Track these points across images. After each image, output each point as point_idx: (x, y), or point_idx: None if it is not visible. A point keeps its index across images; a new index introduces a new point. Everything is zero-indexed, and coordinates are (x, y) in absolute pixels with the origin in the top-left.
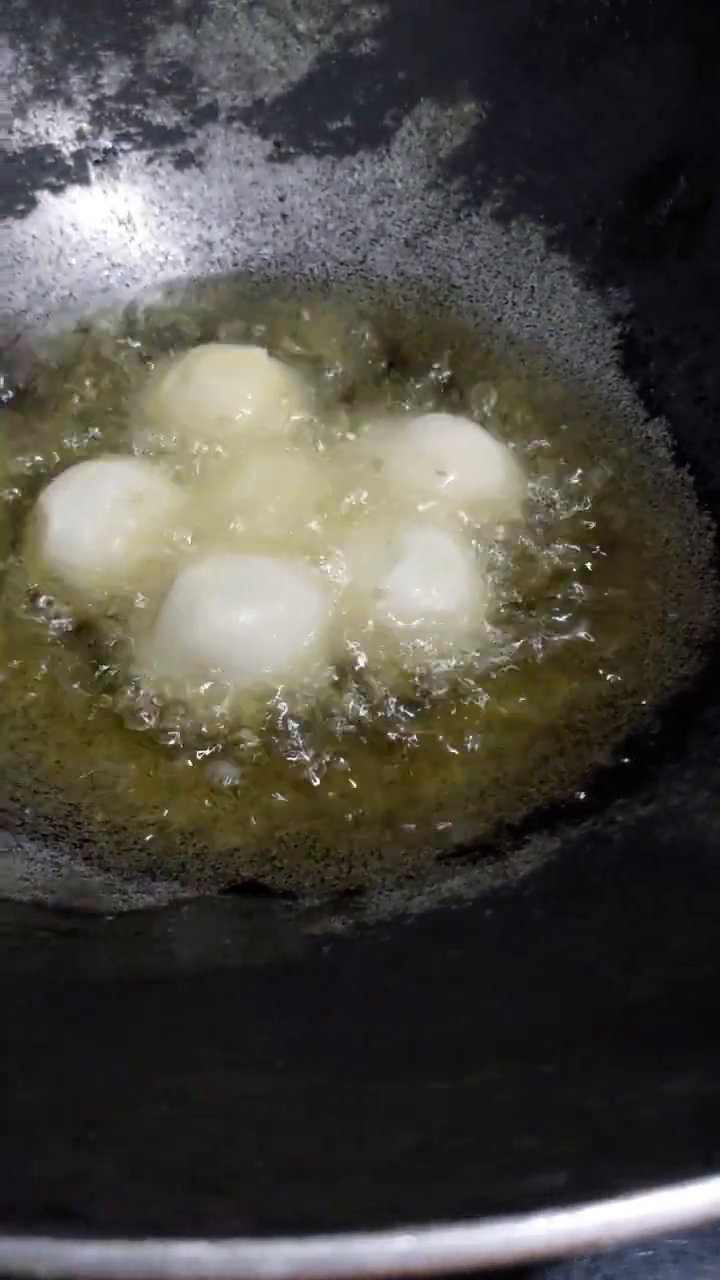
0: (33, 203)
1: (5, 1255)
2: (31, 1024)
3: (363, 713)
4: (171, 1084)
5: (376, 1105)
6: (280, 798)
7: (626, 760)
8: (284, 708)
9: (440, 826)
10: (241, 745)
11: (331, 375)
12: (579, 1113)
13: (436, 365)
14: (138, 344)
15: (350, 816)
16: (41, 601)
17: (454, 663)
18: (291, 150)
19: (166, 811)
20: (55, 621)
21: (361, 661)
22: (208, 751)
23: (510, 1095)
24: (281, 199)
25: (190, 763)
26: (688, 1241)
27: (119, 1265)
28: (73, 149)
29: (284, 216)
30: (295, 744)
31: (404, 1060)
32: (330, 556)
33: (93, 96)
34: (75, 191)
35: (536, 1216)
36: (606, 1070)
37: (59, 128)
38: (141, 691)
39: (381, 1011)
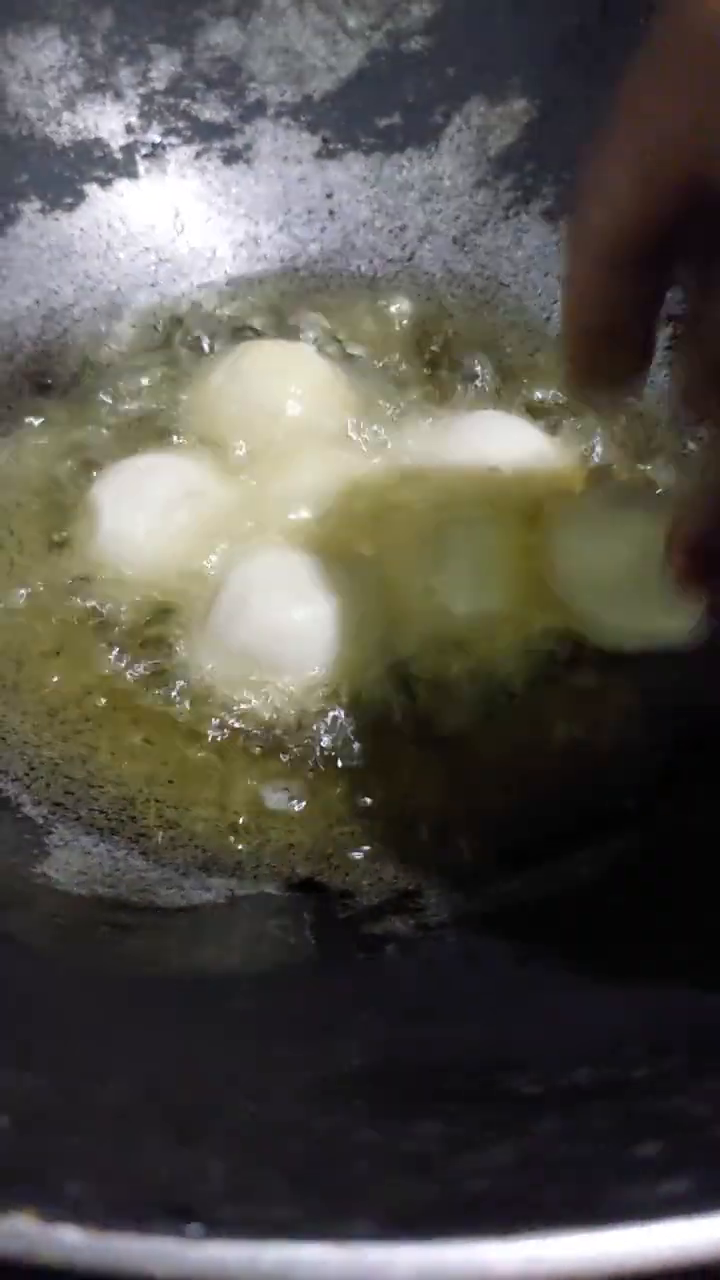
0: (81, 196)
1: (120, 1254)
2: (105, 1020)
3: (416, 712)
4: (254, 1083)
5: (474, 1107)
6: (334, 796)
7: (683, 765)
8: (336, 705)
9: (496, 827)
10: (293, 743)
11: (379, 371)
12: (687, 1119)
13: (484, 363)
14: (185, 339)
15: (405, 815)
16: (92, 597)
17: (508, 660)
18: (340, 147)
19: (220, 808)
20: (106, 617)
21: (414, 659)
22: (260, 748)
23: (611, 1102)
24: (329, 196)
25: (243, 759)
26: None
27: (239, 1267)
28: (121, 143)
29: (331, 213)
30: (348, 742)
31: (489, 1062)
32: (381, 553)
33: (142, 90)
34: (123, 185)
35: (669, 1222)
36: (704, 1076)
37: (108, 121)
38: (194, 688)
39: (454, 1013)
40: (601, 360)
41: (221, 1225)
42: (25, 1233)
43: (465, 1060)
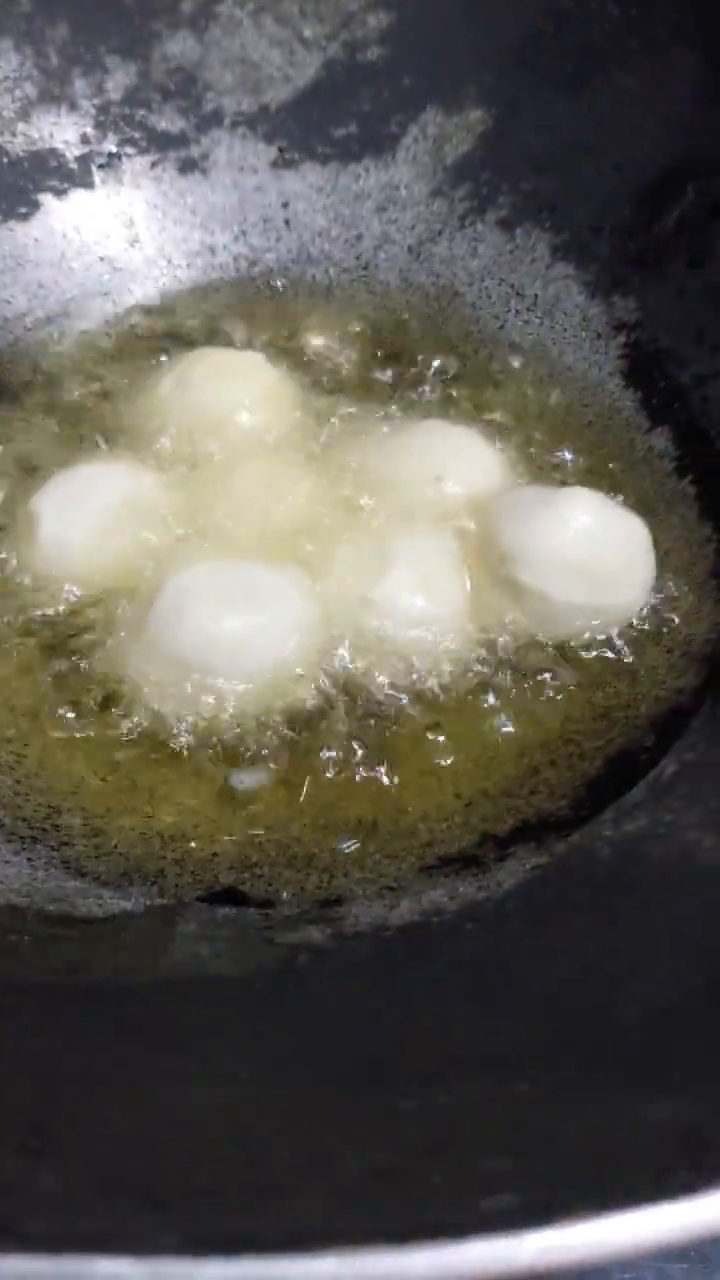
0: (35, 206)
1: None
2: None
3: (349, 721)
4: (129, 1094)
5: (342, 1123)
6: (262, 804)
7: (618, 773)
8: (269, 715)
9: (424, 837)
10: (224, 752)
11: (331, 380)
12: (551, 1136)
13: (438, 372)
14: (137, 347)
15: (333, 825)
16: (28, 604)
17: (444, 671)
18: (296, 156)
19: (146, 816)
20: (41, 624)
21: (349, 669)
22: (190, 756)
23: (481, 1115)
24: (285, 205)
25: (173, 767)
26: (680, 1267)
27: (40, 1279)
28: (76, 153)
29: (287, 223)
30: (279, 751)
31: (374, 1076)
32: (321, 562)
33: (97, 101)
34: (78, 195)
35: (474, 1241)
36: (583, 1093)
37: (63, 131)
38: (126, 696)
39: (355, 1025)
40: None
41: (30, 1239)
42: None
43: (355, 1074)
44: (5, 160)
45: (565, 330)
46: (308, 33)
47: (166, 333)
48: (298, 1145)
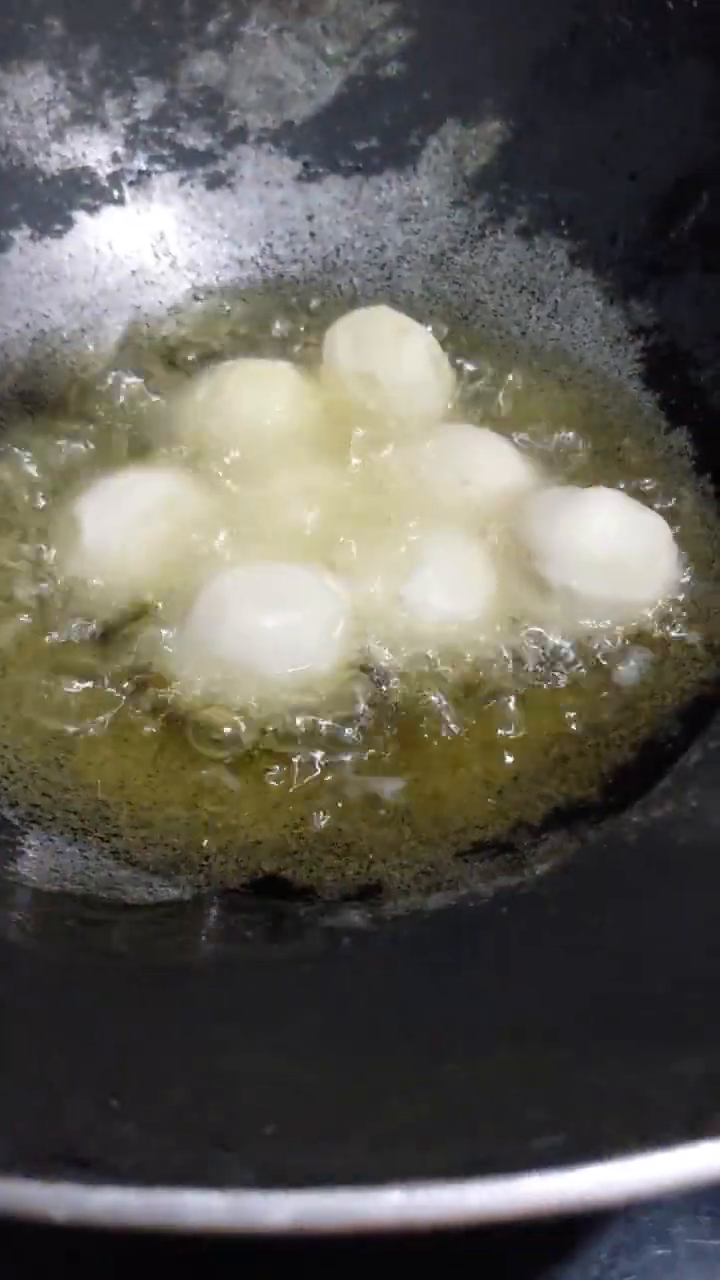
0: (69, 223)
1: (22, 1197)
2: (58, 1001)
3: (382, 714)
4: (191, 1059)
5: (389, 1082)
6: (303, 795)
7: (645, 762)
8: (308, 710)
9: (458, 824)
10: (265, 745)
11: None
12: (590, 1090)
13: (462, 378)
14: (169, 358)
15: (371, 814)
16: (73, 607)
17: (473, 665)
18: (320, 170)
19: (191, 808)
20: (86, 626)
21: (383, 665)
22: (233, 750)
23: (521, 1075)
24: (310, 218)
25: (215, 761)
26: (708, 1242)
27: (132, 1211)
28: (108, 171)
29: (312, 235)
30: (318, 744)
31: (418, 1045)
32: (354, 563)
33: (127, 120)
34: (110, 212)
35: (530, 1175)
36: (618, 1055)
37: (95, 150)
38: (170, 694)
39: (398, 1001)
40: None
41: (118, 1174)
42: None
43: (399, 1043)
44: (40, 179)
45: (585, 335)
46: (329, 50)
47: (197, 343)
48: (351, 1101)
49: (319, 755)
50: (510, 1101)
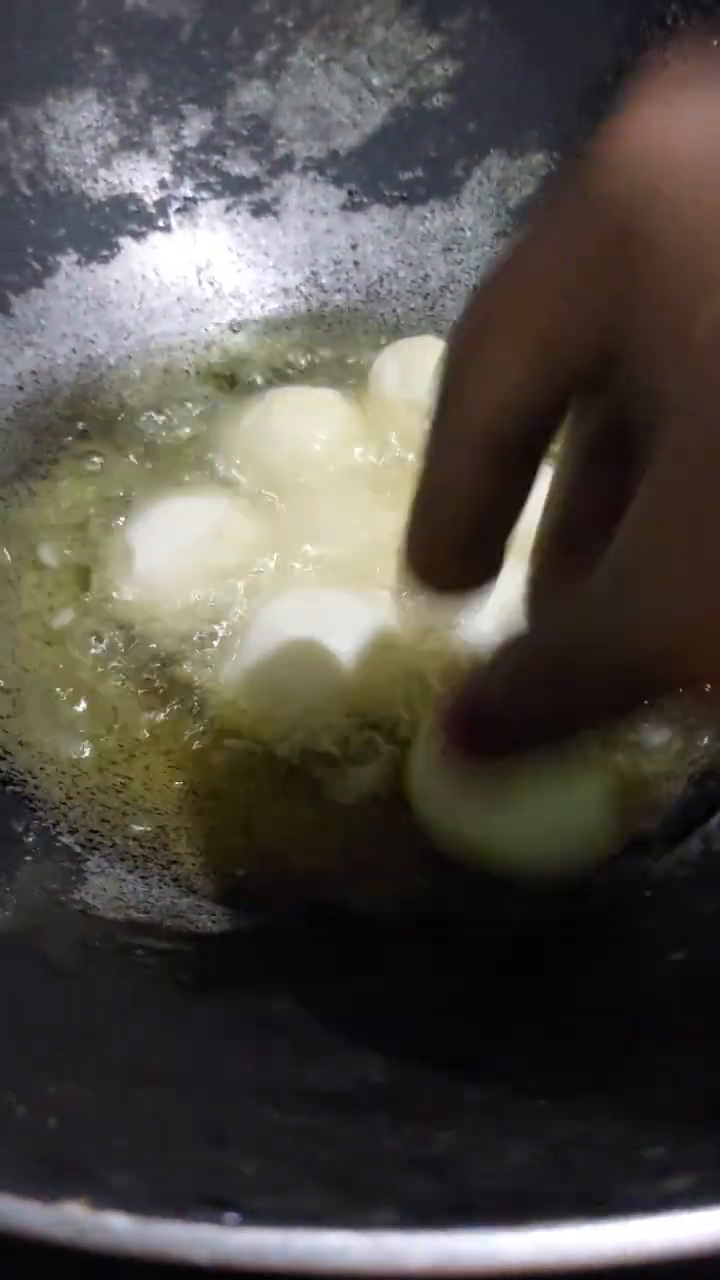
0: (116, 249)
1: (165, 1240)
2: (139, 1035)
3: None
4: (282, 1095)
5: (489, 1118)
6: (362, 823)
7: (705, 795)
8: (362, 733)
9: None
10: (321, 772)
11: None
12: (702, 1123)
13: None
14: (215, 385)
15: (431, 843)
16: (124, 634)
17: None
18: (365, 199)
19: (248, 835)
20: (138, 653)
21: (436, 690)
22: (288, 776)
23: (622, 1111)
24: (354, 246)
25: (272, 787)
26: None
27: (271, 1252)
28: (155, 198)
29: (356, 264)
30: (376, 771)
31: (505, 1079)
32: (406, 590)
33: (175, 148)
34: (156, 238)
35: (675, 1213)
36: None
37: (142, 177)
38: (224, 720)
39: (471, 1036)
40: (454, 565)
41: (256, 1214)
42: (76, 1220)
43: (484, 1078)
44: (87, 205)
45: None
46: (376, 81)
47: (243, 371)
48: (452, 1136)
49: (379, 782)
50: (622, 1141)
